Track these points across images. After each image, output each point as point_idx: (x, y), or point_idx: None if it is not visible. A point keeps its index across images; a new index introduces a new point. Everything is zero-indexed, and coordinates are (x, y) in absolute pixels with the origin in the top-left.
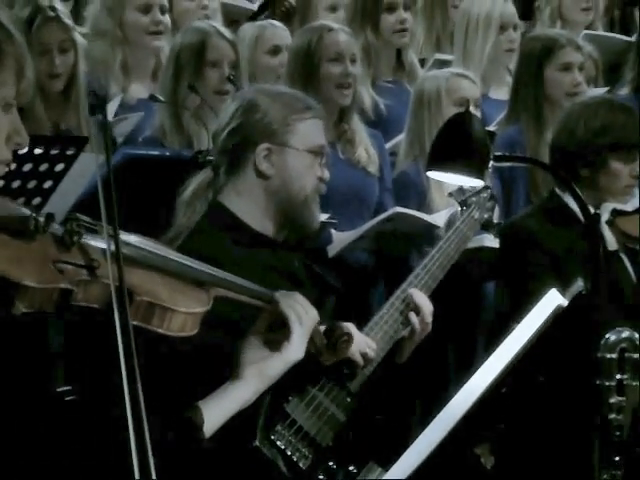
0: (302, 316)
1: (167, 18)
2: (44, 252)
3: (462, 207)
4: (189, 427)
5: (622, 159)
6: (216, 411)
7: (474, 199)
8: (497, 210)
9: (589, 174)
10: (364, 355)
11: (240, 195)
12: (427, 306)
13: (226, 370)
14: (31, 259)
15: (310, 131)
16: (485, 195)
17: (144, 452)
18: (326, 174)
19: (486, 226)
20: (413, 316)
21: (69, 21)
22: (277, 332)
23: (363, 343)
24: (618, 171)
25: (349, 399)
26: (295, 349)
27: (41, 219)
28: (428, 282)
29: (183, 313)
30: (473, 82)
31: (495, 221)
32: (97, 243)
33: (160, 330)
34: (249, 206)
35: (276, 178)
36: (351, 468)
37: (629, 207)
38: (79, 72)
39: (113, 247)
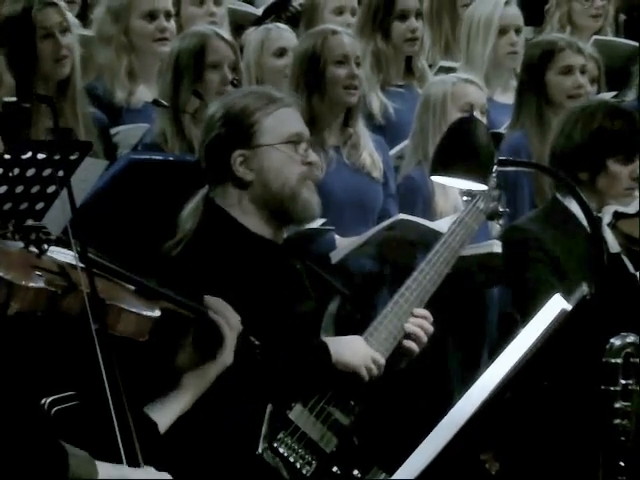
0: (231, 322)
1: (172, 24)
2: (23, 258)
3: (466, 198)
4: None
5: (621, 162)
6: (158, 418)
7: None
8: (504, 198)
9: (588, 178)
10: (369, 370)
11: (231, 204)
12: (423, 324)
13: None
14: (15, 263)
15: (279, 122)
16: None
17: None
18: (312, 157)
19: (492, 216)
20: (410, 343)
21: (62, 3)
22: (208, 339)
23: (369, 358)
24: (617, 174)
25: (352, 402)
26: (228, 354)
27: (10, 228)
28: (434, 277)
29: (144, 317)
30: (479, 88)
31: (501, 209)
32: (61, 256)
33: (125, 335)
34: (242, 212)
35: (256, 182)
36: (355, 473)
37: (631, 209)
38: (77, 57)
39: (78, 261)
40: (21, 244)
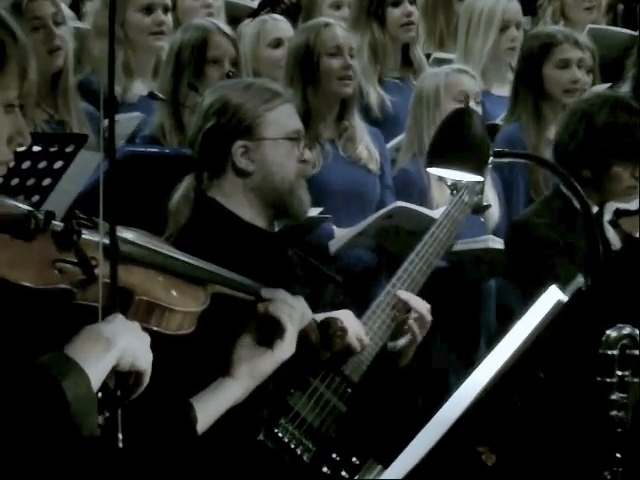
0: (292, 314)
1: (169, 18)
2: (43, 252)
3: (452, 191)
4: (183, 425)
5: (624, 161)
6: (208, 409)
7: (464, 183)
8: (493, 194)
9: (591, 175)
10: (360, 340)
11: (227, 195)
12: (423, 306)
13: (217, 367)
14: (31, 259)
15: (282, 117)
16: None
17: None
18: (307, 155)
19: (477, 210)
20: (414, 324)
21: None
22: (268, 331)
23: (359, 328)
24: (620, 173)
25: (350, 390)
26: (287, 347)
27: (41, 217)
28: (422, 268)
29: (181, 312)
30: (472, 77)
31: (484, 204)
32: (96, 240)
33: (158, 329)
34: (238, 203)
35: (257, 173)
36: (354, 460)
37: (633, 206)
38: (70, 50)
39: (108, 243)
40: (48, 235)
